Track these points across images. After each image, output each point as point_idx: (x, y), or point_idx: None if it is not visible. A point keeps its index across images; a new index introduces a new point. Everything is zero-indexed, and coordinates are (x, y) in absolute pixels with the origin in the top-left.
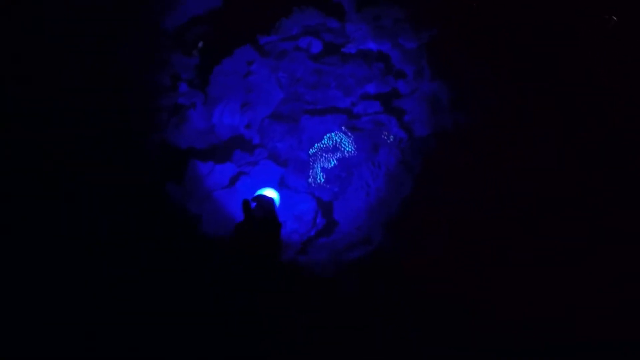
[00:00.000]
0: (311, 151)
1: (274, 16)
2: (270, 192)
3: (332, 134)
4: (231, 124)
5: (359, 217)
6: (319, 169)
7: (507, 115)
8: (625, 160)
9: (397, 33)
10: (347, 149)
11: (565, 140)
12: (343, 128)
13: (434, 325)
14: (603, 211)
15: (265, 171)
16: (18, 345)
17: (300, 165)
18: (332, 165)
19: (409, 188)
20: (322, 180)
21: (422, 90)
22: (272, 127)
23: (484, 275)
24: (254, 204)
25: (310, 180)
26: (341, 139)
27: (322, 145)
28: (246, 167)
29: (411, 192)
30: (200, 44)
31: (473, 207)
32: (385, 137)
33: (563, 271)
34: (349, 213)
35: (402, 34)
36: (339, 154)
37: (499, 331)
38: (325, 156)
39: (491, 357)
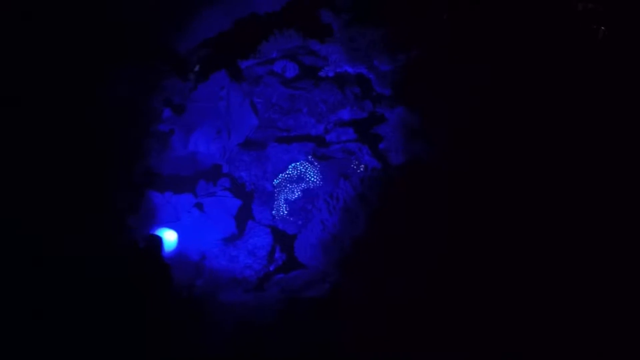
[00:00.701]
0: (275, 181)
1: (256, 40)
2: (169, 234)
3: (297, 163)
4: (205, 151)
5: (317, 254)
6: (283, 200)
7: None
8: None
9: (371, 55)
10: (312, 179)
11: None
12: (310, 157)
13: None
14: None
15: (221, 204)
16: None
17: (264, 196)
18: (297, 196)
19: (362, 224)
20: (286, 212)
21: (398, 116)
22: (239, 155)
23: (444, 322)
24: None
25: (274, 212)
26: (306, 168)
27: (286, 176)
28: (204, 199)
29: (366, 228)
30: (197, 68)
31: (434, 246)
32: (355, 167)
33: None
34: (308, 249)
35: (376, 55)
36: (303, 185)
37: None
38: (289, 187)
39: None
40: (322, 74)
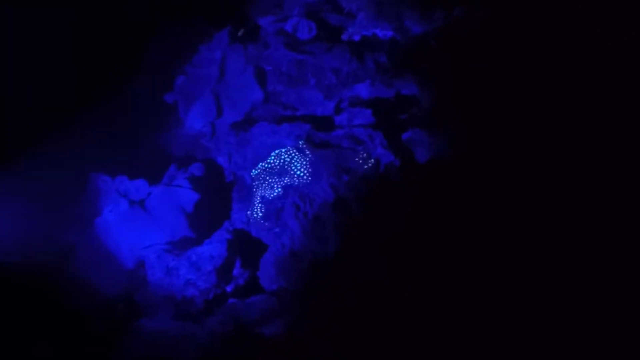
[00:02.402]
0: (254, 172)
1: None
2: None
3: (282, 150)
4: (200, 129)
5: (278, 276)
6: (259, 198)
7: None
8: None
9: (401, 11)
10: (298, 172)
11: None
12: (301, 143)
13: None
14: None
15: (172, 197)
16: None
17: (243, 189)
18: (276, 194)
19: (332, 246)
20: (260, 214)
21: (432, 96)
22: (226, 137)
23: None
24: None
25: (249, 212)
26: (292, 158)
27: (266, 166)
28: (155, 189)
29: (334, 245)
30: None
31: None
32: (361, 161)
33: None
34: (270, 269)
35: (408, 13)
36: (286, 179)
37: None
38: (269, 181)
39: None
40: (344, 36)
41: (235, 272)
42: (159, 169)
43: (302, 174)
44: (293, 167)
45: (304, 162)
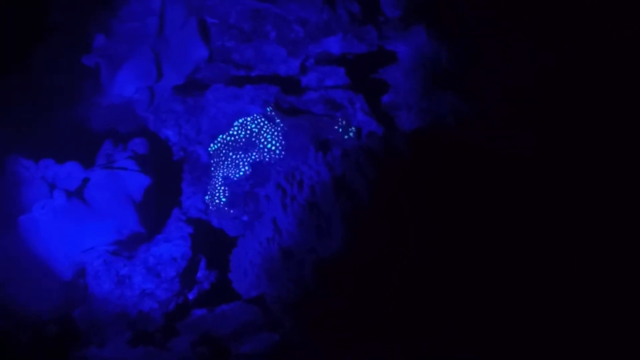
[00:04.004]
0: (212, 147)
1: None
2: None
3: (248, 119)
4: (132, 96)
5: (260, 278)
6: (221, 179)
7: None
8: None
9: None
10: (270, 146)
11: None
12: (269, 110)
13: None
14: None
15: (117, 183)
16: None
17: (196, 169)
18: (243, 173)
19: (338, 235)
20: (224, 200)
21: (416, 52)
22: (169, 104)
23: None
24: None
25: (207, 198)
26: (261, 128)
27: (229, 138)
28: (94, 173)
29: (344, 243)
30: None
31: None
32: (340, 130)
33: None
34: (248, 269)
35: None
36: (255, 155)
37: None
38: (232, 157)
39: None
40: None
41: (199, 274)
42: (82, 148)
43: (273, 148)
44: (262, 140)
45: (275, 133)
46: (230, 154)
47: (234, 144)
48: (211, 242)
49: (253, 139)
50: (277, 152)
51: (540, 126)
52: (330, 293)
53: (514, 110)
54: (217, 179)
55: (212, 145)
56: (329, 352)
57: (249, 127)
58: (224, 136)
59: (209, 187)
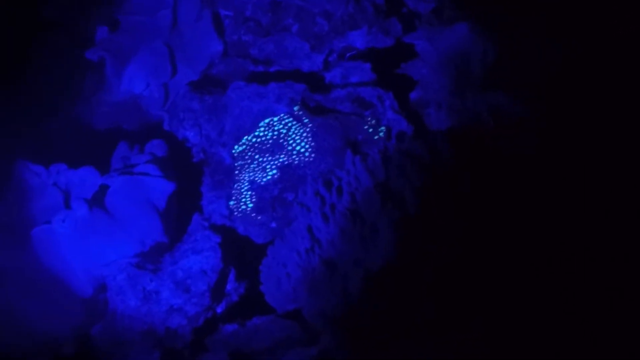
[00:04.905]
0: (237, 148)
1: None
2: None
3: (275, 119)
4: (144, 94)
5: (297, 292)
6: (247, 183)
7: None
8: None
9: None
10: (299, 148)
11: None
12: (296, 109)
13: None
14: None
15: (139, 189)
16: None
17: (218, 173)
18: (270, 177)
19: (385, 246)
20: (251, 205)
21: (446, 43)
22: (186, 102)
23: None
24: None
25: (232, 203)
26: (289, 129)
27: (255, 140)
28: (113, 179)
29: (392, 254)
30: None
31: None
32: (371, 130)
33: None
34: (283, 281)
35: None
36: (283, 158)
37: None
38: (259, 160)
39: None
40: None
41: (228, 286)
42: (88, 150)
43: (302, 150)
44: (290, 141)
45: (304, 134)
46: (257, 156)
47: (260, 145)
48: (237, 251)
49: (281, 141)
50: (307, 154)
51: (545, 124)
52: (377, 307)
53: (521, 108)
54: (243, 183)
55: (236, 147)
56: None
57: (276, 128)
58: (250, 137)
59: (233, 191)
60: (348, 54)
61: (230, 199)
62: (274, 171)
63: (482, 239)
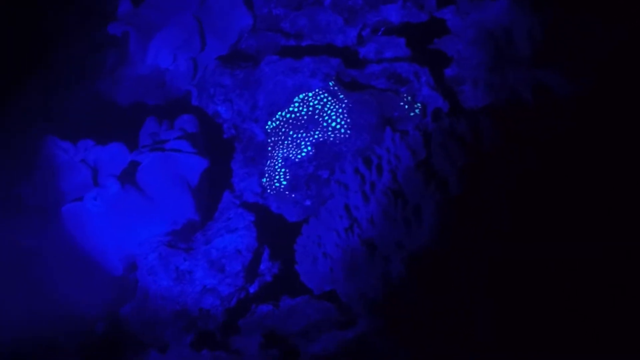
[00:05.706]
0: (270, 125)
1: None
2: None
3: (310, 94)
4: (170, 68)
5: (335, 272)
6: (280, 160)
7: None
8: None
9: None
10: (335, 124)
11: None
12: (331, 84)
13: None
14: None
15: (170, 166)
16: None
17: (250, 149)
18: (305, 154)
19: (429, 228)
20: (284, 183)
21: (483, 21)
22: (216, 77)
23: None
24: None
25: (265, 180)
26: (324, 104)
27: (289, 116)
28: (144, 156)
29: (437, 237)
30: None
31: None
32: (407, 107)
33: None
34: (319, 261)
35: None
36: (318, 134)
37: None
38: (293, 137)
39: None
40: None
41: (262, 266)
42: (112, 127)
43: (338, 126)
44: (326, 117)
45: (340, 110)
46: (291, 132)
47: (294, 121)
48: (270, 230)
49: (316, 117)
50: (342, 130)
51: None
52: (419, 291)
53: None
54: (276, 159)
55: (270, 122)
56: (407, 353)
57: (311, 104)
58: (284, 113)
59: (266, 168)
60: (382, 29)
61: (262, 176)
62: (309, 148)
63: (534, 228)
